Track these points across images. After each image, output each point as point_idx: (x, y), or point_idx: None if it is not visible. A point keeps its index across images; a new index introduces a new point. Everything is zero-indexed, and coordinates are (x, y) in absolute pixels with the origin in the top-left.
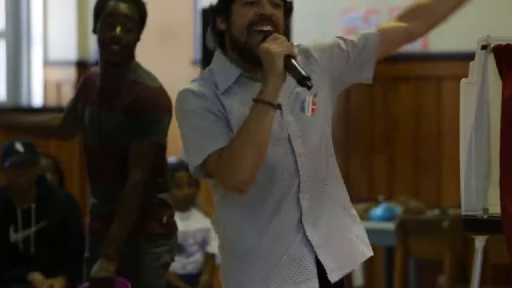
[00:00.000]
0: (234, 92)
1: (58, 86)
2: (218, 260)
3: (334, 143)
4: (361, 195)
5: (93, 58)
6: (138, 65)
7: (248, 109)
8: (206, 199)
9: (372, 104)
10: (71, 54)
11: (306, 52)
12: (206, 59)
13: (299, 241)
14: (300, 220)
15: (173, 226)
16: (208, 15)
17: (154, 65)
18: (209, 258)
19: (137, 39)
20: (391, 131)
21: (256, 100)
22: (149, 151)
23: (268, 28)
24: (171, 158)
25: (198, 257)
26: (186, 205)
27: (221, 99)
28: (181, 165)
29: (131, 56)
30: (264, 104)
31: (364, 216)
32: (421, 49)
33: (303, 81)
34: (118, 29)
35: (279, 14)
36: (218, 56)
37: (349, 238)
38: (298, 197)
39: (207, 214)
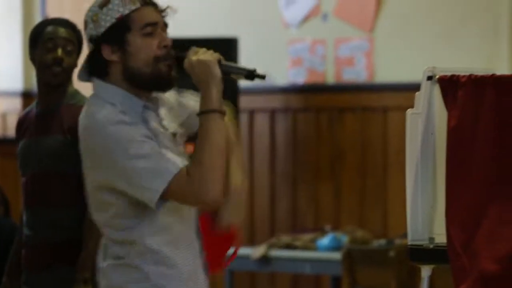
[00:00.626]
0: (143, 121)
1: (3, 116)
2: None
3: (281, 172)
4: (308, 224)
5: None
6: (77, 91)
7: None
8: None
9: (318, 134)
10: (17, 84)
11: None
12: None
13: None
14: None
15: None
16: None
17: None
18: None
19: (76, 63)
20: (337, 161)
21: (207, 111)
22: None
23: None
24: None
25: None
26: None
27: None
28: None
29: (71, 79)
30: (215, 112)
31: (310, 246)
32: (367, 80)
33: (253, 73)
34: (60, 51)
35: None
36: (105, 86)
37: None
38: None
39: None
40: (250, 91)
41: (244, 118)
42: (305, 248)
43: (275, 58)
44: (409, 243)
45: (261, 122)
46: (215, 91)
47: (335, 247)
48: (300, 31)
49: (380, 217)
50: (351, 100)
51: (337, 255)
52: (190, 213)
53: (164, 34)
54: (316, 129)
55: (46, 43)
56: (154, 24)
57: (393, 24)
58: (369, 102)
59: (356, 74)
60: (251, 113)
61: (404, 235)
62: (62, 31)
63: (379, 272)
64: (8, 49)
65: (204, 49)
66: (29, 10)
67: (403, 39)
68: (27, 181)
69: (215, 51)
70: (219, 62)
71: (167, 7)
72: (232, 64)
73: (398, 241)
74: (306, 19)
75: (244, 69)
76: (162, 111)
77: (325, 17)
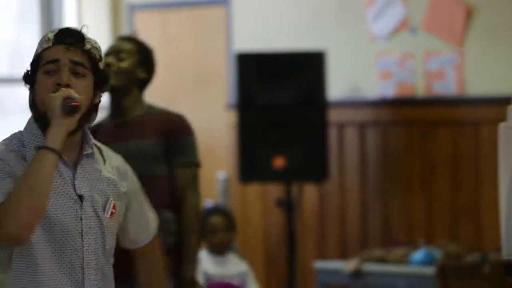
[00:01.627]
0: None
1: None
2: None
3: (372, 185)
4: (400, 238)
5: None
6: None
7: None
8: (243, 243)
9: (409, 147)
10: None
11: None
12: (242, 104)
13: None
14: None
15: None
16: (243, 59)
17: (189, 109)
18: None
19: (132, 69)
20: (429, 174)
21: (39, 147)
22: (197, 172)
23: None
24: (207, 202)
25: None
26: (222, 249)
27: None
28: (216, 210)
29: (136, 90)
30: (44, 149)
31: (403, 260)
32: (458, 93)
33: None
34: (110, 58)
35: (80, 83)
36: (30, 120)
37: None
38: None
39: (243, 256)
40: (339, 104)
41: (333, 131)
42: (398, 262)
43: (363, 71)
44: (504, 257)
45: (351, 135)
46: (53, 129)
47: (428, 262)
48: (388, 44)
49: (473, 230)
50: (442, 113)
51: (430, 270)
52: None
53: (67, 74)
54: (406, 142)
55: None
56: (54, 61)
57: (483, 37)
58: (460, 115)
59: (446, 87)
60: (341, 126)
61: (499, 250)
62: (118, 43)
63: (473, 287)
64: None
65: (69, 90)
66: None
67: (493, 52)
68: None
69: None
70: (67, 98)
71: (84, 44)
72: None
73: (492, 256)
74: (394, 32)
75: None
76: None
77: (413, 30)
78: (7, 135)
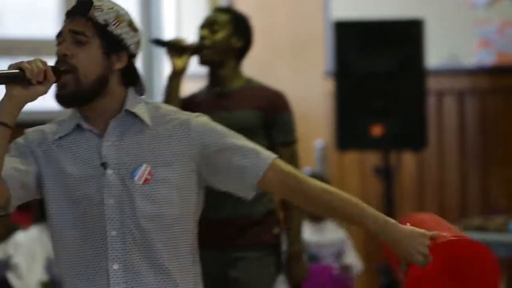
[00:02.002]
0: (68, 145)
1: None
2: (355, 270)
3: (471, 153)
4: (500, 206)
5: None
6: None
7: (78, 167)
8: None
9: (508, 116)
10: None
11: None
12: (339, 72)
13: None
14: None
15: (280, 239)
16: (341, 27)
17: (285, 78)
18: (344, 269)
19: (226, 41)
20: None
21: None
22: (296, 149)
23: (63, 68)
24: (304, 170)
25: (335, 268)
26: (319, 217)
27: (49, 146)
28: (314, 178)
29: (232, 60)
30: None
31: (503, 228)
32: None
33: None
34: (203, 31)
35: (83, 51)
36: None
37: None
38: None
39: (341, 225)
40: (438, 73)
41: (431, 99)
42: (498, 230)
43: (461, 39)
44: None
45: (449, 103)
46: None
47: None
48: (488, 12)
49: None
50: None
51: None
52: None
53: (67, 44)
54: (505, 110)
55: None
56: (59, 35)
57: None
58: None
59: None
60: (439, 94)
61: None
62: (213, 15)
63: None
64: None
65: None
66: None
67: None
68: None
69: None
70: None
71: (87, 11)
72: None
73: None
74: (494, 0)
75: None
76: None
77: None
78: None
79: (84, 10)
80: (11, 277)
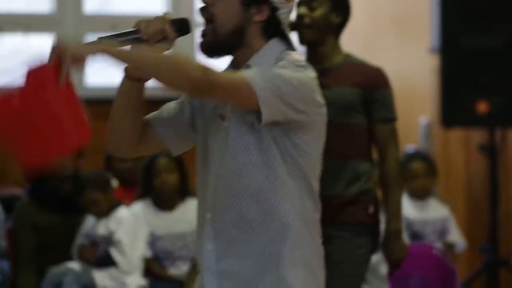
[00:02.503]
0: None
1: None
2: (458, 249)
3: None
4: None
5: None
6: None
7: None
8: (444, 188)
9: None
10: None
11: None
12: (445, 47)
13: None
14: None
15: (377, 218)
16: (447, 1)
17: (389, 53)
18: (448, 247)
19: (325, 17)
20: None
21: None
22: (395, 126)
23: (203, 16)
24: (408, 147)
25: (437, 246)
26: (422, 194)
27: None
28: (418, 155)
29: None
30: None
31: None
32: None
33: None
34: (302, 8)
35: (220, 3)
36: None
37: None
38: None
39: (445, 202)
40: None
41: None
42: None
43: None
44: None
45: None
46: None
47: None
48: None
49: None
50: None
51: None
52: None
53: None
54: None
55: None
56: None
57: None
58: None
59: None
60: None
61: None
62: None
63: None
64: None
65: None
66: None
67: None
68: None
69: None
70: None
71: None
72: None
73: None
74: None
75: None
76: None
77: None
78: None
79: None
80: (114, 252)
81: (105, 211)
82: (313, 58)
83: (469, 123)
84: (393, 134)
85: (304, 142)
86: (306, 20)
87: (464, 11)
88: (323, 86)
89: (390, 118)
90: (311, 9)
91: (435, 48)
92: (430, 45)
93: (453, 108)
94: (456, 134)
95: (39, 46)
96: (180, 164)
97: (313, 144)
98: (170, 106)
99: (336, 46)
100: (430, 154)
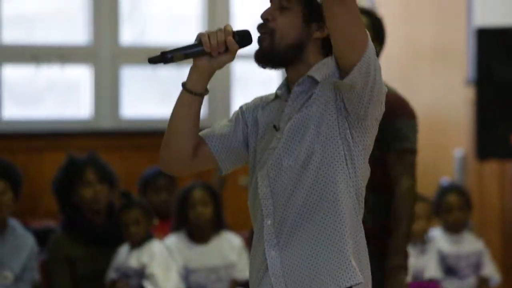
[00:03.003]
0: (267, 112)
1: None
2: (493, 283)
3: None
4: None
5: None
6: None
7: (262, 132)
8: (479, 221)
9: None
10: None
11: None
12: (481, 79)
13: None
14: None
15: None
16: (483, 34)
17: (426, 84)
18: (482, 281)
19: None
20: None
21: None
22: (412, 157)
23: (262, 31)
24: (443, 180)
25: (471, 280)
26: (457, 228)
27: (258, 112)
28: (453, 188)
29: None
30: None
31: None
32: None
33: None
34: None
35: (284, 17)
36: None
37: None
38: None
39: (479, 235)
40: None
41: None
42: None
43: None
44: None
45: None
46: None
47: None
48: None
49: None
50: None
51: None
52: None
53: (271, 9)
54: None
55: None
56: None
57: None
58: None
59: None
60: None
61: None
62: None
63: None
64: None
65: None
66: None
67: None
68: None
69: None
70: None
71: None
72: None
73: None
74: None
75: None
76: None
77: None
78: None
79: None
80: (147, 286)
81: (140, 239)
82: None
83: (504, 156)
84: (411, 165)
85: (362, 143)
86: None
87: (500, 43)
88: None
89: (411, 149)
90: None
91: (471, 80)
92: (466, 76)
93: (488, 140)
94: (491, 167)
95: (75, 77)
96: (215, 197)
97: (368, 146)
98: (222, 123)
99: None
100: (465, 187)
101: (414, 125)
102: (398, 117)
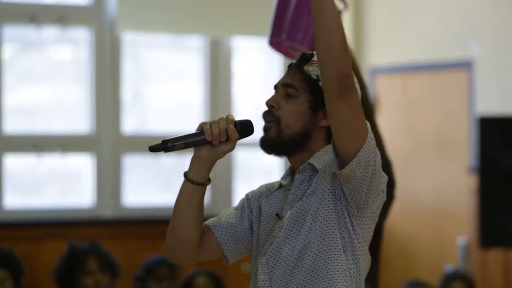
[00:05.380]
0: (271, 200)
1: None
2: None
3: None
4: None
5: None
6: None
7: (264, 221)
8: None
9: None
10: None
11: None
12: (483, 168)
13: None
14: None
15: None
16: (485, 122)
17: (428, 172)
18: None
19: None
20: None
21: None
22: None
23: (266, 119)
24: (446, 267)
25: None
26: None
27: (262, 200)
28: (458, 275)
29: None
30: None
31: None
32: None
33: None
34: None
35: (290, 105)
36: None
37: None
38: None
39: None
40: None
41: None
42: None
43: None
44: None
45: None
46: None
47: None
48: None
49: None
50: None
51: None
52: None
53: (276, 95)
54: None
55: None
56: (275, 87)
57: None
58: None
59: None
60: None
61: None
62: None
63: None
64: None
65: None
66: None
67: None
68: None
69: None
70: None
71: (303, 65)
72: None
73: None
74: None
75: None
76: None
77: None
78: None
79: (302, 63)
80: None
81: None
82: None
83: (508, 244)
84: None
85: (363, 232)
86: None
87: (502, 132)
88: None
89: None
90: None
91: (474, 168)
92: (468, 165)
93: (491, 228)
94: (495, 255)
95: (77, 166)
96: (218, 284)
97: (369, 235)
98: (229, 212)
99: None
100: (469, 274)
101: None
102: None
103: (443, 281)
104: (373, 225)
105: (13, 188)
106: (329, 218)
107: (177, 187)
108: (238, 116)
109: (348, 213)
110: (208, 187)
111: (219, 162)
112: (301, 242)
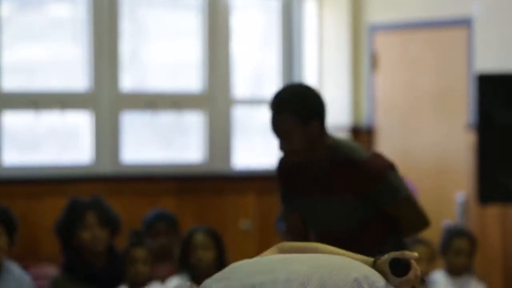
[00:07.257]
0: None
1: None
2: None
3: None
4: None
5: (366, 123)
6: (334, 141)
7: None
8: (481, 265)
9: None
10: (345, 119)
11: None
12: (482, 124)
13: None
14: None
15: None
16: (484, 79)
17: (426, 129)
18: None
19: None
20: None
21: None
22: (409, 203)
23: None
24: (445, 223)
25: None
26: (461, 272)
27: None
28: (463, 233)
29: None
30: None
31: None
32: None
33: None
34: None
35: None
36: None
37: None
38: None
39: (481, 279)
40: None
41: None
42: None
43: None
44: None
45: None
46: None
47: None
48: None
49: None
50: None
51: None
52: None
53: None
54: None
55: None
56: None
57: None
58: None
59: None
60: None
61: None
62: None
63: None
64: (335, 85)
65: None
66: (358, 48)
67: None
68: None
69: None
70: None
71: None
72: None
73: None
74: None
75: None
76: None
77: None
78: (249, 154)
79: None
80: None
81: (143, 280)
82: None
83: (506, 200)
84: (410, 208)
85: None
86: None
87: (501, 88)
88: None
89: (398, 199)
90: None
91: (472, 125)
92: (467, 122)
93: (490, 184)
94: (493, 211)
95: (75, 124)
96: (217, 241)
97: None
98: None
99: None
100: (471, 231)
101: (392, 176)
102: (381, 181)
103: (445, 238)
104: None
105: (11, 145)
106: None
107: (175, 143)
108: (236, 72)
109: None
110: (206, 144)
111: (217, 119)
112: None
